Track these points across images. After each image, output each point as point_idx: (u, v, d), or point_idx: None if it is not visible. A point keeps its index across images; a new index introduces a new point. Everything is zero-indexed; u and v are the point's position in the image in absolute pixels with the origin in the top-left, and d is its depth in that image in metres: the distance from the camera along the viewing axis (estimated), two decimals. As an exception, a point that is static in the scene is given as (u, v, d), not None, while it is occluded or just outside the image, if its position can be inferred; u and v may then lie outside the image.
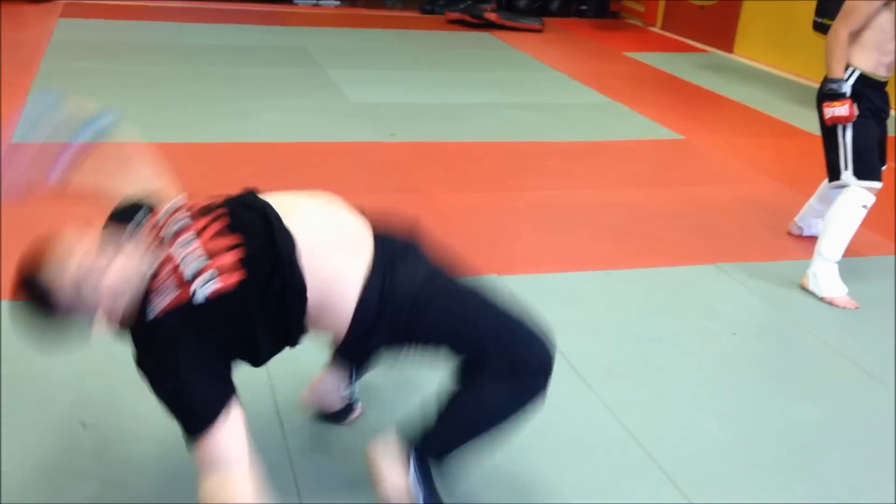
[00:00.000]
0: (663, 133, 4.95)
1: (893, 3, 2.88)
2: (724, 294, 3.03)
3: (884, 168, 3.08)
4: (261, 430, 1.83)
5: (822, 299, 2.99)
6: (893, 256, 3.12)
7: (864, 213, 2.98)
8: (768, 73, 6.78)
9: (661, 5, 8.42)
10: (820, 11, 5.34)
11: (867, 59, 2.95)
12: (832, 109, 2.95)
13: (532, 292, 2.93)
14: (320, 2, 8.61)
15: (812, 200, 3.47)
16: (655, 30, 8.46)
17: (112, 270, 1.47)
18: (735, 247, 3.42)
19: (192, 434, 1.48)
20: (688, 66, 6.87)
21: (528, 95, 5.69)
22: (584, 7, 8.92)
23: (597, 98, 5.69)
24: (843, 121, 2.95)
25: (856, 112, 2.95)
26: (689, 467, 2.07)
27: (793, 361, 2.64)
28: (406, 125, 4.78)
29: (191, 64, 5.77)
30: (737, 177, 4.34)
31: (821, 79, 3.00)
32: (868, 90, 2.97)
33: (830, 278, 3.01)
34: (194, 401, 1.47)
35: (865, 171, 2.97)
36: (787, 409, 2.35)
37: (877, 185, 2.98)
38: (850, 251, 3.08)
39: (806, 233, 3.51)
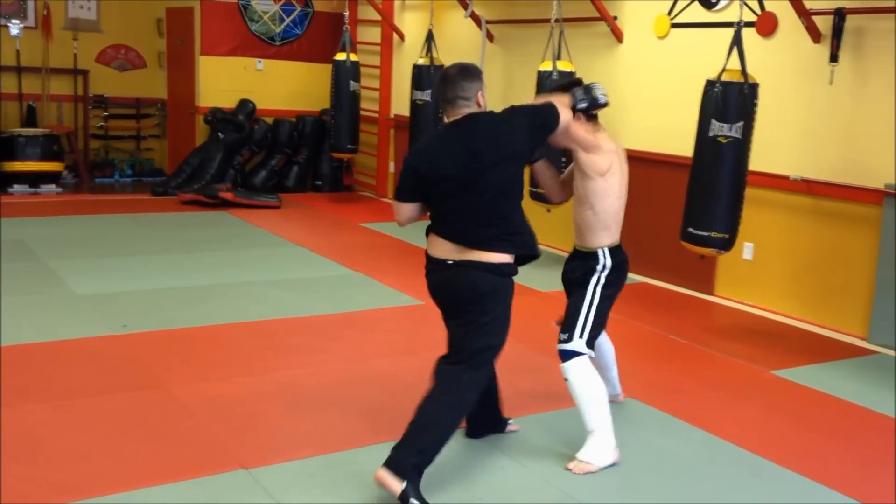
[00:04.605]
0: (404, 300, 5.14)
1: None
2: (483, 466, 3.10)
3: None
4: None
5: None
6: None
7: None
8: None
9: (391, 178, 9.00)
10: (533, 182, 6.00)
11: None
12: None
13: (285, 483, 2.80)
14: (39, 189, 8.12)
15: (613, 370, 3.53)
16: (387, 200, 8.96)
17: None
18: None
19: None
20: (419, 233, 7.28)
21: (270, 272, 5.68)
22: (319, 182, 9.27)
23: (339, 270, 5.82)
24: None
25: None
26: None
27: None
28: (140, 315, 4.53)
29: None
30: (476, 336, 4.56)
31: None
32: None
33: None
34: None
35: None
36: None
37: None
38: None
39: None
